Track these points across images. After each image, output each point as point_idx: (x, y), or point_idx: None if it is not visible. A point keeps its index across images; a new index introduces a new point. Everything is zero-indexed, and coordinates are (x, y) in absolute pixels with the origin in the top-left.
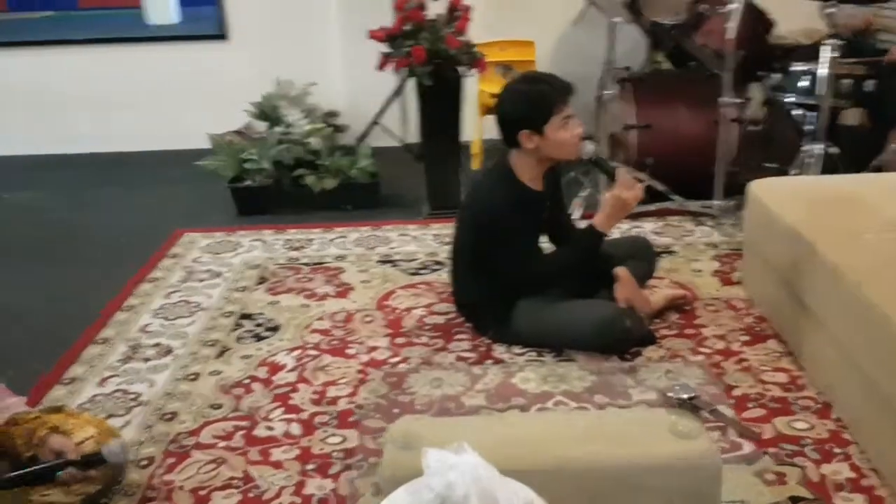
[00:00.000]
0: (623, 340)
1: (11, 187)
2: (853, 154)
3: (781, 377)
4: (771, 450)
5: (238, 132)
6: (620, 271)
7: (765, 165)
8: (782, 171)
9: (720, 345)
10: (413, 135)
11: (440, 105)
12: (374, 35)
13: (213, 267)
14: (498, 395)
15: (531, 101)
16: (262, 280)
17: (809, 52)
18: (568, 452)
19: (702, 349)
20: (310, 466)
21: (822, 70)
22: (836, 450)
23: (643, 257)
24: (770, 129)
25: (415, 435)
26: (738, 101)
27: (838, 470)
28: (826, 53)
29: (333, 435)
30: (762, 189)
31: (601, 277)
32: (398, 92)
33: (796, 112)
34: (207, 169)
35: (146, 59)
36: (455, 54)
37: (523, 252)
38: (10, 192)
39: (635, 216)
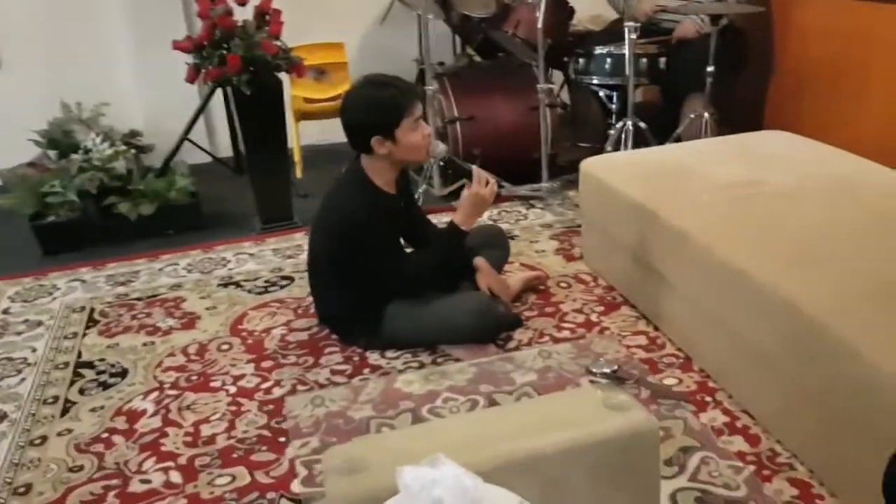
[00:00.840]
0: (498, 326)
1: None
2: (653, 128)
3: (642, 339)
4: (652, 407)
5: (31, 164)
6: (479, 261)
7: (579, 145)
8: (596, 150)
9: (580, 318)
10: (225, 148)
11: (261, 114)
12: (178, 46)
13: (30, 316)
14: (385, 403)
15: (381, 106)
16: (91, 323)
17: (604, 37)
18: (513, 445)
19: (564, 324)
20: None
21: (626, 51)
22: (707, 398)
23: (498, 245)
24: (576, 111)
25: (356, 458)
26: (552, 86)
27: (714, 416)
28: (629, 35)
29: (220, 476)
30: (594, 167)
31: (461, 270)
32: (205, 104)
33: (602, 93)
34: (3, 208)
35: None
36: (272, 60)
37: (390, 258)
38: None
39: None
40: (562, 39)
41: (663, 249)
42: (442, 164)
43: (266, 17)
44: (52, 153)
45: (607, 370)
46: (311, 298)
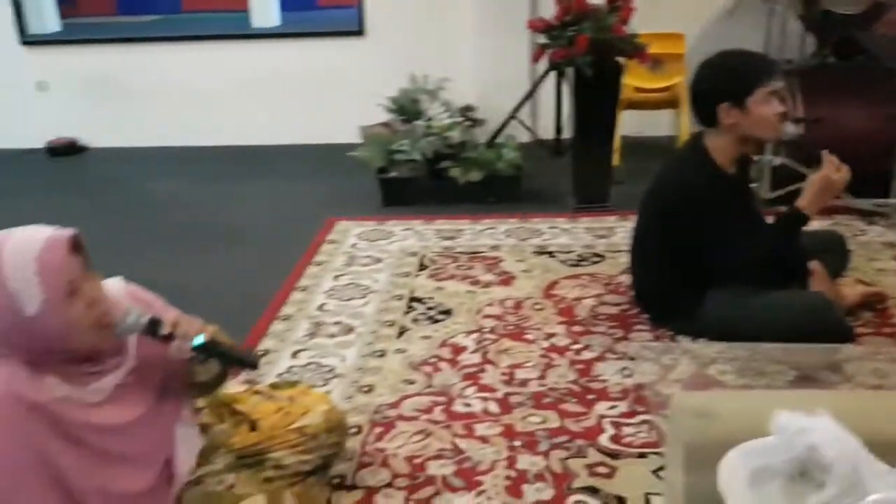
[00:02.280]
0: (831, 333)
1: (159, 177)
2: None
3: None
4: None
5: (385, 124)
6: (815, 265)
7: None
8: None
9: None
10: (546, 130)
11: (597, 97)
12: (532, 25)
13: (372, 253)
14: (695, 386)
15: (735, 71)
16: (422, 267)
17: None
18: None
19: None
20: (517, 443)
21: None
22: None
23: (837, 252)
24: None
25: (706, 405)
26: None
27: None
28: None
29: (532, 415)
30: None
31: (793, 271)
32: (537, 85)
33: None
34: (359, 160)
35: (281, 55)
36: (619, 44)
37: (722, 239)
38: (159, 181)
39: None
40: None
41: None
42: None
43: (617, 2)
44: (398, 118)
45: None
46: (621, 278)
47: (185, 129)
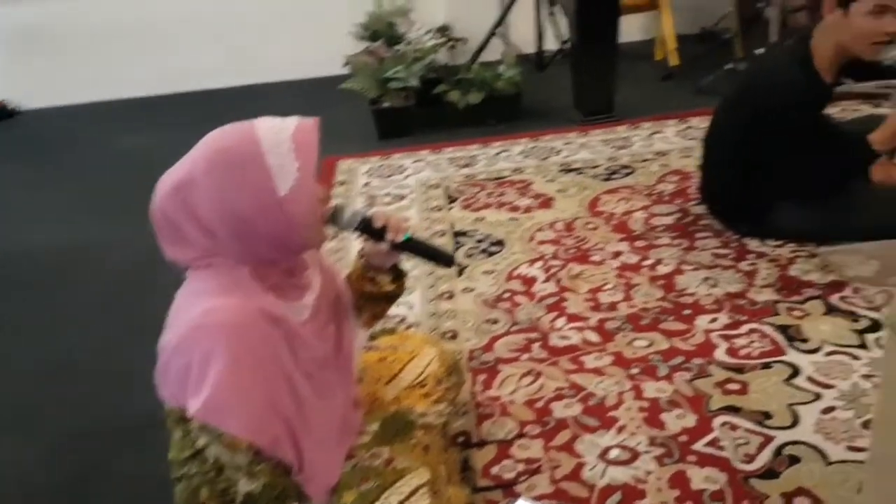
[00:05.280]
0: None
1: (121, 133)
2: None
3: None
4: None
5: (369, 52)
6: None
7: None
8: None
9: None
10: (526, 44)
11: (598, 4)
12: None
13: (391, 190)
14: (787, 289)
15: None
16: (451, 199)
17: None
18: None
19: None
20: (634, 370)
21: None
22: None
23: None
24: None
25: None
26: None
27: None
28: None
29: (637, 339)
30: None
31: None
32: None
33: None
34: (352, 91)
35: None
36: None
37: (803, 147)
38: (123, 138)
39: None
40: None
41: None
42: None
43: None
44: (382, 44)
45: None
46: (662, 187)
47: (145, 77)
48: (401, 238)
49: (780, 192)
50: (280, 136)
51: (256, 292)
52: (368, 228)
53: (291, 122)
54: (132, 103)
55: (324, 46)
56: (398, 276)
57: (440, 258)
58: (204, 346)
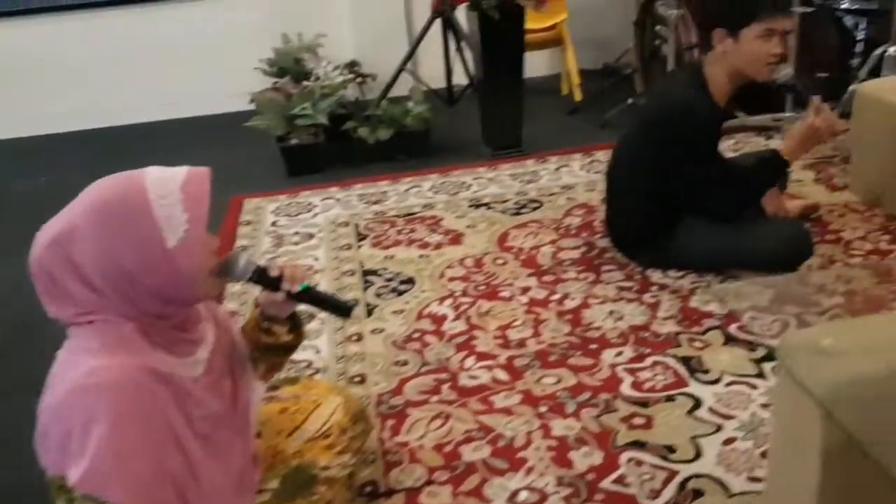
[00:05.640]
0: (808, 254)
1: (17, 174)
2: None
3: None
4: None
5: (276, 88)
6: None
7: (818, 76)
8: (833, 80)
9: (867, 246)
10: (433, 79)
11: (503, 41)
12: None
13: (300, 229)
14: (687, 320)
15: None
16: (361, 236)
17: None
18: None
19: (854, 251)
20: (542, 409)
21: None
22: None
23: None
24: (808, 40)
25: (823, 343)
26: (808, 9)
27: None
28: None
29: (545, 376)
30: (879, 90)
31: None
32: (424, 34)
33: (849, 21)
34: (257, 129)
35: (137, 22)
36: None
37: (706, 163)
38: (18, 179)
39: None
40: None
41: None
42: (785, 87)
43: None
44: (289, 80)
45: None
46: (568, 220)
47: (41, 115)
48: (297, 288)
49: (681, 221)
50: (169, 187)
51: (143, 349)
52: (263, 278)
53: (181, 172)
54: (26, 142)
55: (230, 83)
56: (296, 325)
57: (339, 308)
58: (85, 409)
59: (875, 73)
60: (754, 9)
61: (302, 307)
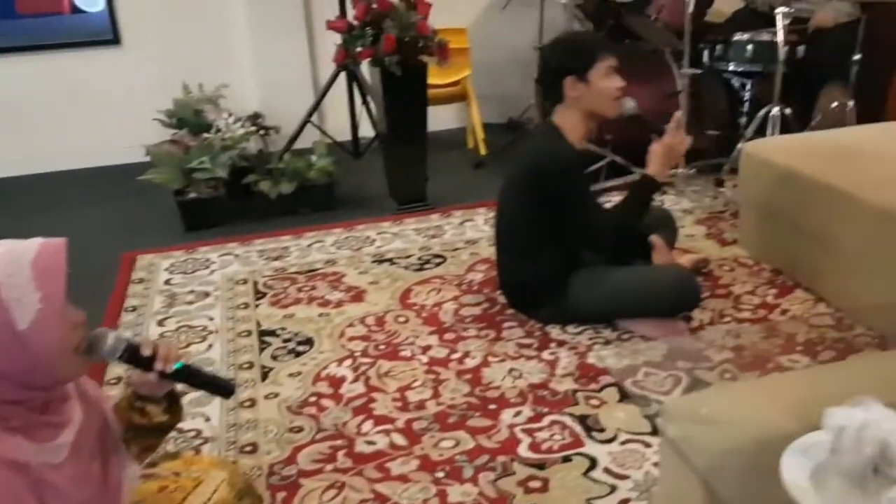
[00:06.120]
0: (695, 301)
1: None
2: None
3: (828, 320)
4: None
5: (173, 141)
6: (655, 239)
7: (707, 133)
8: (723, 138)
9: (756, 300)
10: (338, 132)
11: (406, 96)
12: (332, 26)
13: (195, 287)
14: (585, 377)
15: (577, 45)
16: (259, 294)
17: (732, 27)
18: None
19: (742, 306)
20: (439, 474)
21: (778, 37)
22: None
23: (668, 226)
24: (700, 99)
25: (702, 412)
26: (696, 71)
27: None
28: (781, 21)
29: (443, 439)
30: (761, 149)
31: (634, 248)
32: (329, 86)
33: (736, 81)
34: (153, 183)
35: (29, 70)
36: (424, 42)
37: (581, 207)
38: None
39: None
40: (700, 27)
41: (858, 230)
42: (631, 119)
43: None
44: (187, 132)
45: None
46: (471, 276)
47: None
48: (171, 368)
49: (571, 275)
50: (18, 265)
51: (2, 438)
52: (134, 358)
53: (32, 246)
54: None
55: (128, 133)
56: (173, 403)
57: (219, 388)
58: None
59: (761, 131)
60: (595, 49)
61: (180, 386)
